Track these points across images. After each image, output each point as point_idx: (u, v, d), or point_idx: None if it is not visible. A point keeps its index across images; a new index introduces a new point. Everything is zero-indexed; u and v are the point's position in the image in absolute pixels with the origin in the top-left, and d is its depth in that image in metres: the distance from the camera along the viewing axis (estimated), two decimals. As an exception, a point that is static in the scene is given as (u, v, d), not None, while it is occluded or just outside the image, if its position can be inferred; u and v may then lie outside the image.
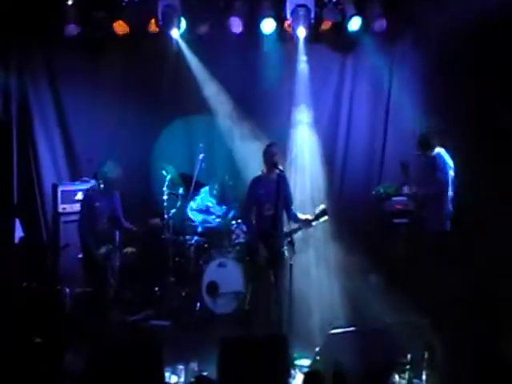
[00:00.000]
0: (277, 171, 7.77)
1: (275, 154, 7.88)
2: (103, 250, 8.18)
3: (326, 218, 7.72)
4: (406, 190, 9.06)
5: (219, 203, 9.90)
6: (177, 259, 9.57)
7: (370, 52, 9.86)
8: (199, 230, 9.71)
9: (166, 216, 9.45)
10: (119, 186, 8.41)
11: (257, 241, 7.83)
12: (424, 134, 8.88)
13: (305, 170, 9.88)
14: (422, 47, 9.60)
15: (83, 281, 8.55)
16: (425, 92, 9.55)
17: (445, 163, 8.74)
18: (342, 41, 9.99)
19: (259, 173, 8.02)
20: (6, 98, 9.43)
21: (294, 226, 7.82)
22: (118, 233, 8.90)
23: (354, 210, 9.87)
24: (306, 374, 5.78)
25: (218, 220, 9.76)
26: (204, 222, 9.80)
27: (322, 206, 7.74)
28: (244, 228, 9.06)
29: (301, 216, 7.83)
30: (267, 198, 7.81)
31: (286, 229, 7.86)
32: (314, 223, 7.76)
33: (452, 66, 9.22)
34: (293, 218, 7.86)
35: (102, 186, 8.20)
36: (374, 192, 9.83)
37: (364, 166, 10.21)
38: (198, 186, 9.69)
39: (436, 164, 8.68)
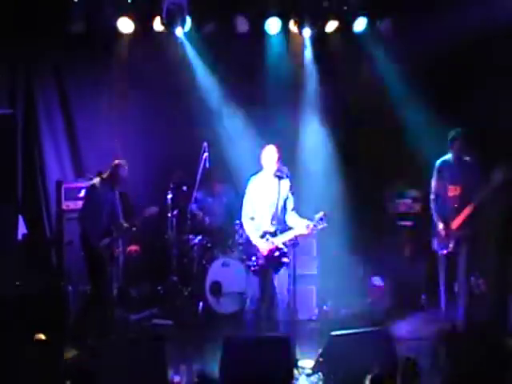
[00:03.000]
0: (278, 172, 7.61)
1: (274, 154, 7.63)
2: (105, 241, 8.18)
3: (324, 225, 7.39)
4: None
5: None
6: (180, 258, 9.55)
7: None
8: (203, 229, 9.69)
9: (169, 214, 9.46)
10: (123, 186, 8.44)
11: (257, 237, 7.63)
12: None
13: (311, 172, 9.86)
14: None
15: (86, 279, 8.51)
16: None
17: None
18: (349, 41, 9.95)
19: (259, 172, 7.86)
20: (12, 95, 9.42)
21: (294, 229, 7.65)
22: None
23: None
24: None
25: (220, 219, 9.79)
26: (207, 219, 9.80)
27: (321, 213, 7.40)
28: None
29: (299, 221, 7.56)
30: (267, 197, 7.67)
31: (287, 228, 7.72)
32: (312, 229, 7.44)
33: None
34: (290, 222, 7.63)
35: (110, 181, 8.25)
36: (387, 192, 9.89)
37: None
38: (202, 185, 9.66)
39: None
